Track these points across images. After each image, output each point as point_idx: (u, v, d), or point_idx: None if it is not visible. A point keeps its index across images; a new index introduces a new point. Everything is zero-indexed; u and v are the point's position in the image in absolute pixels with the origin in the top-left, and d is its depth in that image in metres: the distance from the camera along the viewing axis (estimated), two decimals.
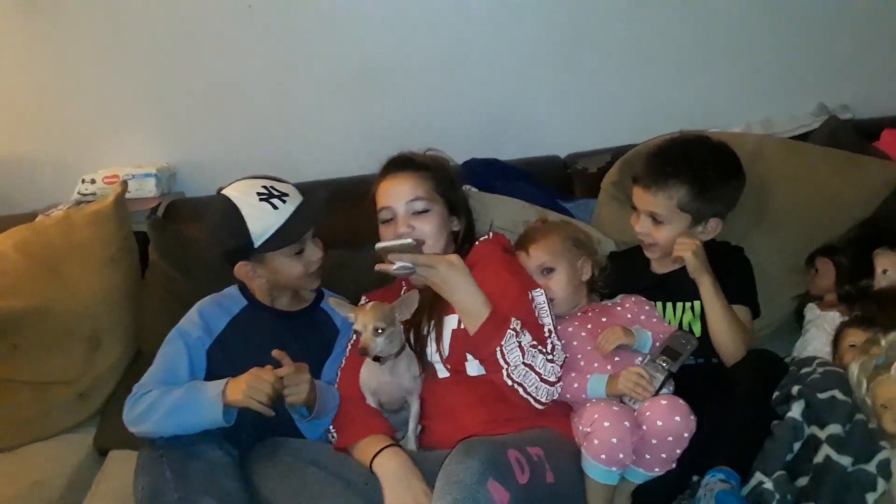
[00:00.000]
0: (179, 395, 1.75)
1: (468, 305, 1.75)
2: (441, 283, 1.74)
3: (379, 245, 1.74)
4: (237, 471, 1.74)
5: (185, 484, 1.65)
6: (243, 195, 1.87)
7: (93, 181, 2.64)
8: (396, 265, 1.71)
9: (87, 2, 2.62)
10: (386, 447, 1.73)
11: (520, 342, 1.72)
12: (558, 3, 2.70)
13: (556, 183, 2.58)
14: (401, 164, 2.01)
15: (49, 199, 2.64)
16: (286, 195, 1.90)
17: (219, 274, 2.00)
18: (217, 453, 1.72)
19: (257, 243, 1.85)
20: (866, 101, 2.75)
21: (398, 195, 1.95)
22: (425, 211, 1.94)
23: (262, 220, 1.85)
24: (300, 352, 1.81)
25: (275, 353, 1.74)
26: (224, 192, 1.91)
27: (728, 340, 1.92)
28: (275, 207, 1.86)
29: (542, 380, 1.72)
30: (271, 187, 1.90)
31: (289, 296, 2.01)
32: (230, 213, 1.85)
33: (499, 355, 1.71)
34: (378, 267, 1.76)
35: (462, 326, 1.80)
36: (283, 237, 1.86)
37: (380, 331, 1.74)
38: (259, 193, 1.87)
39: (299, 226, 1.88)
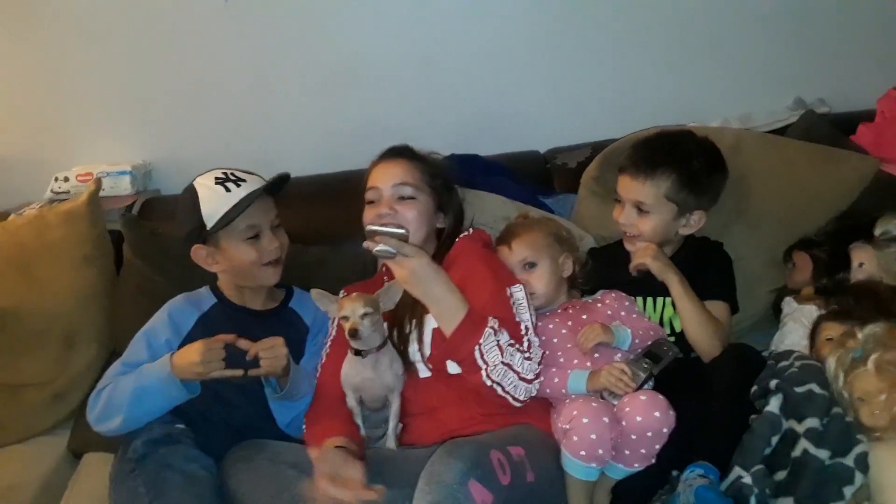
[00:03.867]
0: (132, 387, 1.77)
1: (445, 305, 1.74)
2: (419, 279, 1.73)
3: (370, 227, 1.75)
4: (213, 483, 1.72)
5: (160, 497, 1.64)
6: (204, 179, 1.91)
7: (66, 179, 2.60)
8: (379, 246, 1.71)
9: None
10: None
11: (498, 341, 1.71)
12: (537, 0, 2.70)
13: (536, 178, 2.58)
14: (397, 151, 2.04)
15: (21, 197, 2.59)
16: (243, 181, 1.91)
17: (194, 272, 1.97)
18: (192, 466, 1.70)
19: (209, 224, 1.86)
20: (842, 95, 2.78)
21: (387, 177, 1.97)
22: (411, 198, 1.95)
23: (213, 202, 1.87)
24: None
25: (241, 342, 1.75)
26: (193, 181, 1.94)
27: (702, 337, 1.93)
28: (227, 190, 1.88)
29: (521, 378, 1.71)
30: (230, 173, 1.92)
31: (261, 295, 2.00)
32: (189, 197, 1.89)
33: (477, 355, 1.69)
34: (364, 244, 1.75)
35: None
36: (229, 215, 1.86)
37: (367, 314, 1.74)
38: (217, 178, 1.90)
39: (244, 202, 1.88)
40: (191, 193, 1.89)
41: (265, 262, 1.93)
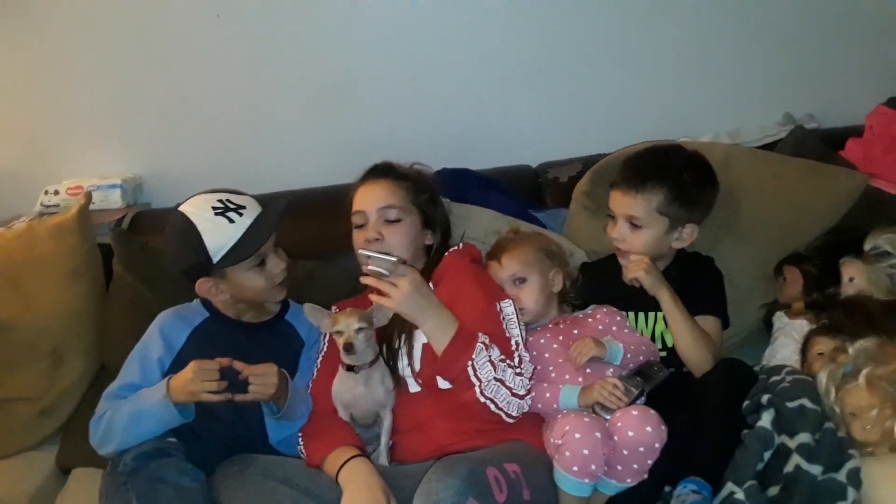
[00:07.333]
0: (129, 411, 1.76)
1: (436, 323, 1.73)
2: (409, 299, 1.70)
3: (362, 252, 1.78)
4: (205, 496, 1.70)
5: None
6: (199, 210, 1.84)
7: (56, 192, 2.59)
8: (371, 266, 1.73)
9: (50, 10, 2.57)
10: (352, 458, 1.71)
11: (490, 356, 1.71)
12: (528, 15, 2.71)
13: (527, 192, 2.59)
14: (380, 171, 2.03)
15: (11, 210, 2.59)
16: (243, 207, 1.86)
17: (184, 287, 1.96)
18: (183, 479, 1.69)
19: (216, 258, 1.82)
20: (831, 110, 2.79)
21: (372, 200, 1.96)
22: (397, 220, 1.94)
23: (218, 235, 1.82)
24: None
25: (236, 364, 1.74)
26: (180, 208, 1.87)
27: (693, 353, 1.93)
28: (231, 221, 1.83)
29: (513, 394, 1.71)
30: (227, 200, 1.86)
31: (254, 309, 1.99)
32: (187, 230, 1.82)
33: (470, 371, 1.69)
34: (359, 259, 1.80)
35: None
36: (241, 251, 1.83)
37: (361, 329, 1.75)
38: (214, 208, 1.84)
39: (256, 238, 1.84)
40: (186, 225, 1.81)
41: (274, 285, 1.92)
